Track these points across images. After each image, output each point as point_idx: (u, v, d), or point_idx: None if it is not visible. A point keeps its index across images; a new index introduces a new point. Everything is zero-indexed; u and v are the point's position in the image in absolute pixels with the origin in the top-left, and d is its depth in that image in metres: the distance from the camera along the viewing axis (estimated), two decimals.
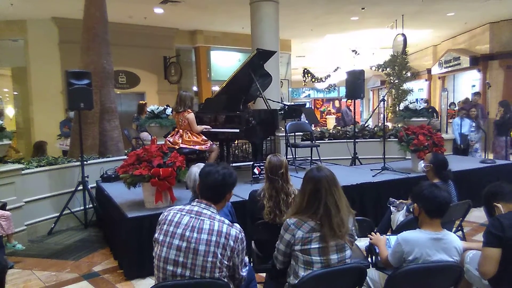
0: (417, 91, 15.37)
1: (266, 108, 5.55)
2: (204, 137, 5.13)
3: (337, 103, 22.91)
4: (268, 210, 2.78)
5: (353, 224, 2.22)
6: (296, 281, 2.07)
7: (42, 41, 9.44)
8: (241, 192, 4.20)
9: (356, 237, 2.25)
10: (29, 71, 9.59)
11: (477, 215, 4.85)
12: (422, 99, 13.69)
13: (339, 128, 8.69)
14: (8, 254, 4.12)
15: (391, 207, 3.57)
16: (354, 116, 9.22)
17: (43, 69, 9.39)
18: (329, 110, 23.08)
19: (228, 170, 2.09)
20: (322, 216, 2.10)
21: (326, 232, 2.08)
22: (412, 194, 2.51)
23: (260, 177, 4.80)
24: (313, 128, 7.68)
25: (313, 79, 18.30)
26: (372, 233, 2.62)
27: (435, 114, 9.96)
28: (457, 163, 5.77)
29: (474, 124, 8.41)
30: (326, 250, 2.09)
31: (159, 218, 2.04)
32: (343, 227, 2.11)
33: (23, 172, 4.73)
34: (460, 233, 3.61)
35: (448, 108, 10.13)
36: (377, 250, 2.54)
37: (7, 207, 4.27)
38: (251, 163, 5.13)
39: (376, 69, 13.24)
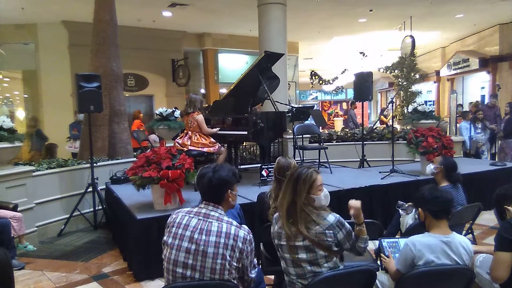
0: (426, 93, 15.27)
1: (274, 110, 5.56)
2: (212, 139, 5.16)
3: (344, 105, 22.87)
4: (273, 211, 2.75)
5: (332, 226, 2.06)
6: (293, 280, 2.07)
7: (52, 45, 9.56)
8: (249, 194, 4.21)
9: (337, 238, 2.08)
10: (39, 74, 9.71)
11: (488, 218, 4.80)
12: (430, 101, 13.62)
13: (347, 130, 8.65)
14: (19, 255, 4.17)
15: (400, 210, 3.56)
16: (363, 119, 9.14)
17: (53, 72, 9.51)
18: (337, 112, 23.03)
19: (217, 172, 2.03)
20: (288, 213, 2.09)
21: (287, 230, 2.06)
22: (414, 200, 2.50)
23: (268, 179, 4.80)
24: (321, 130, 7.66)
25: (321, 81, 18.26)
26: (384, 256, 2.54)
27: None
28: (467, 166, 5.72)
29: (480, 126, 8.35)
30: (294, 249, 2.06)
31: (168, 221, 2.05)
32: (309, 228, 2.06)
33: (34, 174, 4.78)
34: (470, 236, 3.58)
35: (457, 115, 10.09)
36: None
37: (19, 209, 4.33)
38: (259, 165, 5.15)
39: (384, 71, 13.20)
